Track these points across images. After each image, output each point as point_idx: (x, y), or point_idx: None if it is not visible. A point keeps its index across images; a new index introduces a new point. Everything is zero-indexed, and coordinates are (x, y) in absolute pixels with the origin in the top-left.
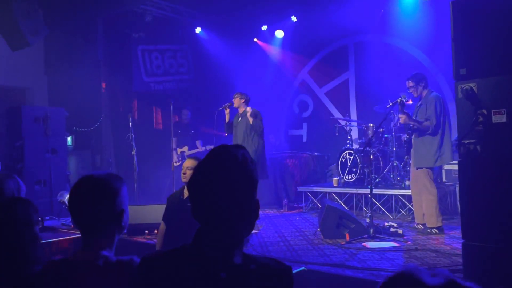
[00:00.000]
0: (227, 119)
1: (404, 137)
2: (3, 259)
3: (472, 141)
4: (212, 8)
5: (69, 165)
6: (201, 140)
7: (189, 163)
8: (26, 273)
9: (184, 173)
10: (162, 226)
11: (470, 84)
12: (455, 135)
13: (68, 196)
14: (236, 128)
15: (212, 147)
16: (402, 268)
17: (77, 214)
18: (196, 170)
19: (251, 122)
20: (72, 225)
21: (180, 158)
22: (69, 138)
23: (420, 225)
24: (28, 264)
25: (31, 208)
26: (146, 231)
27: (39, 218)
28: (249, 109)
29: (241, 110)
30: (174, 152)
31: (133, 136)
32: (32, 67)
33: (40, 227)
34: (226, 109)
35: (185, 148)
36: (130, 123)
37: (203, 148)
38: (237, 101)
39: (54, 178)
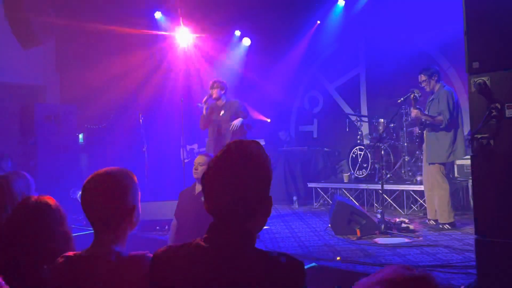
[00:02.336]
0: (204, 112)
1: (416, 131)
2: (28, 254)
3: (485, 135)
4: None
5: (81, 162)
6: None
7: (200, 159)
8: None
9: (196, 169)
10: (174, 222)
11: (483, 78)
12: (467, 130)
13: (80, 192)
14: (219, 122)
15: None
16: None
17: (90, 209)
18: (210, 164)
19: (238, 119)
20: (84, 221)
21: (189, 156)
22: (80, 135)
23: (432, 221)
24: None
25: (62, 209)
26: (157, 227)
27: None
28: (236, 122)
29: (220, 102)
30: (183, 149)
31: (144, 132)
32: (44, 65)
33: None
34: (206, 103)
35: (195, 146)
36: (141, 120)
37: None
38: (216, 92)
39: (66, 174)
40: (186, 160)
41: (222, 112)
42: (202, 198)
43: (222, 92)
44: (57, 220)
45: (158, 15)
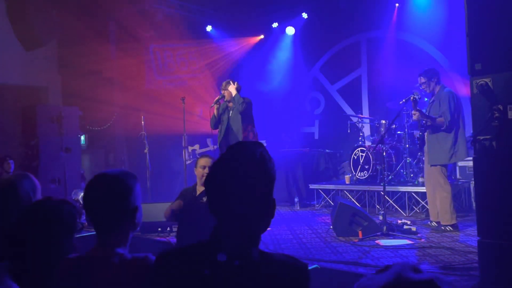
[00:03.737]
0: (216, 113)
1: (417, 133)
2: (39, 254)
3: (487, 137)
4: (222, 5)
5: (83, 163)
6: (211, 138)
7: (207, 163)
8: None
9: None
10: (177, 202)
11: (485, 79)
12: (469, 131)
13: (82, 194)
14: (228, 124)
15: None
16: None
17: (91, 211)
18: (213, 166)
19: (241, 107)
20: (86, 223)
21: (191, 157)
22: (82, 137)
23: (434, 223)
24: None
25: (76, 212)
26: (159, 229)
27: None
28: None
29: (231, 104)
30: (185, 150)
31: (146, 134)
32: (46, 67)
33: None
34: (217, 103)
35: (197, 147)
36: (143, 122)
37: (215, 147)
38: (228, 94)
39: (68, 176)
40: (188, 162)
41: (231, 113)
42: (204, 199)
43: (235, 93)
44: (63, 225)
45: (159, 16)
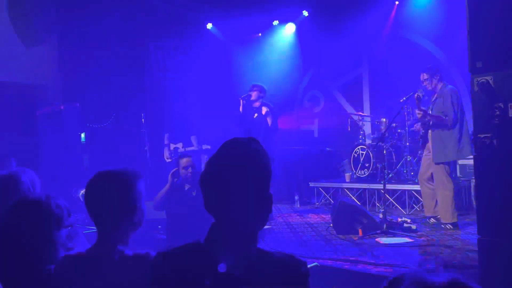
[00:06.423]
0: (241, 109)
1: (417, 129)
2: (27, 253)
3: (488, 135)
4: (223, 3)
5: (83, 161)
6: (196, 136)
7: (188, 163)
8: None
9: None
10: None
11: (486, 77)
12: (470, 129)
13: (83, 191)
14: (252, 124)
15: (208, 146)
16: (404, 271)
17: (93, 209)
18: (208, 164)
19: (269, 124)
20: (87, 220)
21: (172, 155)
22: (82, 134)
23: (433, 219)
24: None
25: (64, 209)
26: (159, 226)
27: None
28: (264, 109)
29: (256, 105)
30: (167, 148)
31: (146, 131)
32: (46, 64)
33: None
34: (243, 100)
35: (180, 145)
36: (143, 119)
37: (199, 147)
38: (255, 95)
39: (68, 174)
40: (168, 160)
41: (256, 115)
42: (193, 193)
43: (260, 95)
44: (48, 222)
45: (160, 13)
